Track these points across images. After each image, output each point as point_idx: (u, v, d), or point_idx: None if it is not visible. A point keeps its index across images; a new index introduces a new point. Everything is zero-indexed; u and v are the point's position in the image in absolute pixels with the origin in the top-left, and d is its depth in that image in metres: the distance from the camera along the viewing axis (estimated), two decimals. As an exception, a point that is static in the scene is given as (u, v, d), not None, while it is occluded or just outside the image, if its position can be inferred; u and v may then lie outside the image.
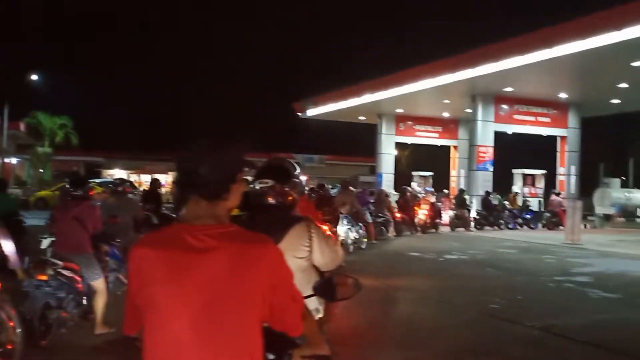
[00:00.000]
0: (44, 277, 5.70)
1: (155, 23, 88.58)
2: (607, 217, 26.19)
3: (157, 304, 1.56)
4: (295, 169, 3.06)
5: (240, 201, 3.13)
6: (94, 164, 45.28)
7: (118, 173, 43.71)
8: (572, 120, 25.79)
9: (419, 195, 22.59)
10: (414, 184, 29.31)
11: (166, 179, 29.89)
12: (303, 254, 2.79)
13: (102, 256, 6.73)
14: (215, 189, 1.64)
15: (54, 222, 6.76)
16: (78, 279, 6.15)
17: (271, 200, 2.83)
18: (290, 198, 2.88)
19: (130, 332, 1.68)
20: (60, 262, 6.00)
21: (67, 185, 6.85)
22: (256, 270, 1.57)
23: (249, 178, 3.02)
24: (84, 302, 6.18)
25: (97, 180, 22.65)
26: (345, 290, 2.52)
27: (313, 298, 2.72)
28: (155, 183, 13.40)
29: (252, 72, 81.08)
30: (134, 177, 43.33)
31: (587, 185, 27.99)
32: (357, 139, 44.00)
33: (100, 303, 6.16)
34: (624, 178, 30.40)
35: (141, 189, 20.88)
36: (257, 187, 2.87)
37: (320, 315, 2.90)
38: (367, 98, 26.17)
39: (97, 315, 6.14)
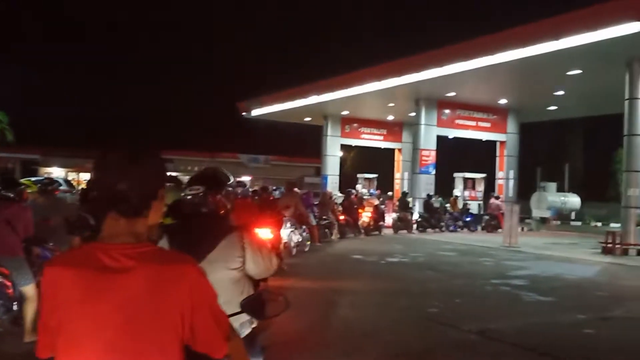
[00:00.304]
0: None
1: (94, 18, 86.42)
2: (543, 220, 27.08)
3: (70, 327, 1.50)
4: (229, 179, 3.02)
5: (172, 209, 3.07)
6: (31, 162, 43.79)
7: (56, 171, 42.35)
8: (511, 125, 26.57)
9: (366, 197, 22.89)
10: (358, 186, 29.61)
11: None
12: (235, 265, 2.74)
13: (34, 260, 6.49)
14: (134, 205, 1.56)
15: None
16: (8, 284, 5.93)
17: (203, 209, 2.78)
18: (223, 207, 2.84)
19: (44, 355, 1.59)
20: (-11, 267, 5.76)
21: (-2, 186, 6.57)
22: (175, 291, 1.51)
23: (182, 184, 2.97)
24: (15, 307, 5.96)
25: (33, 179, 21.87)
26: (274, 306, 2.48)
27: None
28: (93, 183, 13.04)
29: (196, 70, 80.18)
30: (72, 176, 42.14)
31: (525, 188, 28.89)
32: (304, 140, 44.05)
33: (30, 309, 5.93)
34: (560, 182, 31.47)
35: (79, 187, 20.32)
36: (188, 194, 2.81)
37: (254, 325, 2.86)
38: (313, 99, 26.25)
39: (27, 322, 5.91)
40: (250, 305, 2.37)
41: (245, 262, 2.78)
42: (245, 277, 2.84)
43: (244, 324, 2.73)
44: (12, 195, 6.19)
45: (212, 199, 2.79)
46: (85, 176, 39.11)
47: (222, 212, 2.85)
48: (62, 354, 1.52)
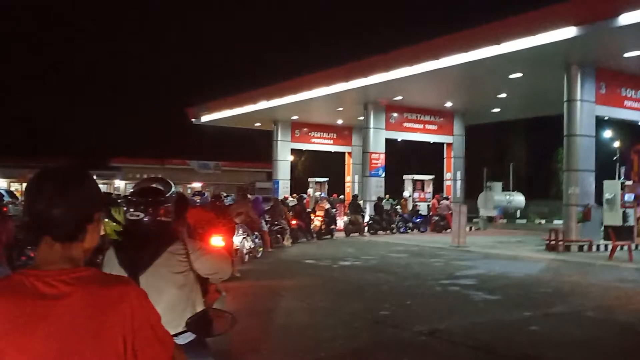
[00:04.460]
0: None
1: (41, 21, 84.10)
2: (490, 219, 27.78)
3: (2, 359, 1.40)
4: (171, 187, 3.07)
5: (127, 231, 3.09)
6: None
7: (-2, 182, 41.05)
8: (457, 127, 27.18)
9: (321, 199, 23.09)
10: (310, 190, 29.73)
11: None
12: (180, 268, 2.81)
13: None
14: (69, 230, 1.50)
15: None
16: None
17: (148, 221, 2.83)
18: (166, 218, 2.89)
19: None
20: None
21: None
22: (115, 314, 1.46)
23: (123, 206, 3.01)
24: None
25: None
26: (221, 324, 2.52)
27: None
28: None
29: (145, 76, 78.96)
30: (15, 186, 40.85)
31: (473, 189, 29.59)
32: (255, 145, 43.95)
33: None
34: (505, 182, 32.38)
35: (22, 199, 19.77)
36: (129, 218, 2.85)
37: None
38: (262, 105, 26.27)
39: None
40: (196, 324, 2.40)
41: (192, 263, 2.86)
42: (193, 283, 2.90)
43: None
44: None
45: (154, 212, 2.84)
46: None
47: (165, 225, 2.89)
48: None
